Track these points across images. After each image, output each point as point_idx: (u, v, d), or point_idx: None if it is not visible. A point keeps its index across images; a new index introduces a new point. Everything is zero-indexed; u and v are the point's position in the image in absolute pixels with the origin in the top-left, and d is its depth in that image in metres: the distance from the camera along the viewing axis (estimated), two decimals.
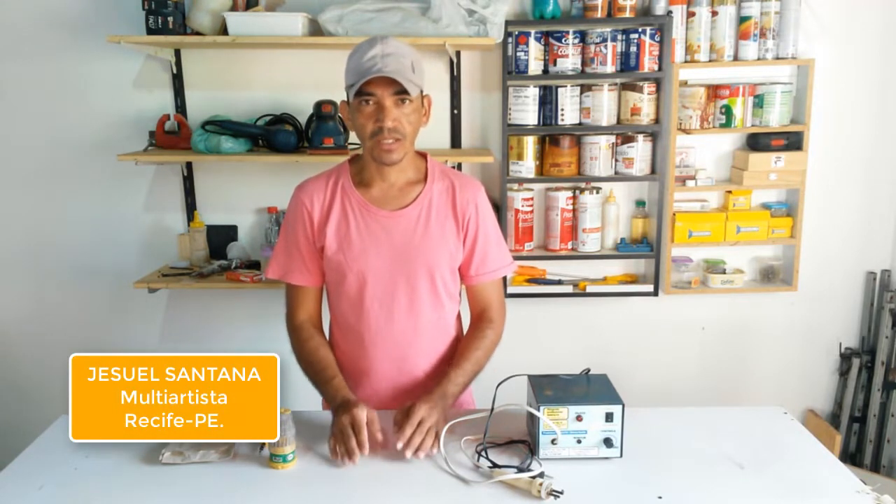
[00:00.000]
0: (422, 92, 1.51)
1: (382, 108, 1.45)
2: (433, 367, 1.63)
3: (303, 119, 2.56)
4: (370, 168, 1.56)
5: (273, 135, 2.49)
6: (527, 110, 2.57)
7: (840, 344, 2.89)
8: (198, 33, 2.45)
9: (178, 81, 2.62)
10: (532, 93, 2.56)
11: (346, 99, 1.54)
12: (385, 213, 1.55)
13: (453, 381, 1.51)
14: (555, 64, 2.55)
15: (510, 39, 2.51)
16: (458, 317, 1.71)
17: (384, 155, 1.48)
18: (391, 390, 1.61)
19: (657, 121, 2.60)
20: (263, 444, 1.39)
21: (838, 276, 2.83)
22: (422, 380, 1.62)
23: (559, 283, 2.74)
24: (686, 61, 2.57)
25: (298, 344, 1.59)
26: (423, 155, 1.62)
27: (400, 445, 1.34)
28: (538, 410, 1.34)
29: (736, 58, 2.57)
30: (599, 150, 2.60)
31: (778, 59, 2.57)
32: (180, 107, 2.64)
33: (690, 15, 2.54)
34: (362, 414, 1.36)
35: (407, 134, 1.48)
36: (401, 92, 1.44)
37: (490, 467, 1.31)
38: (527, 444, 1.40)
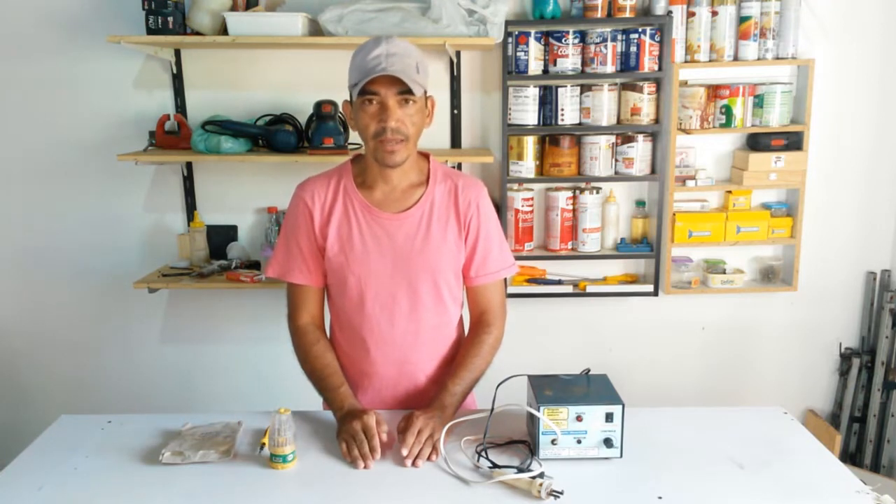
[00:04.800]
0: (426, 93, 1.51)
1: (386, 107, 1.44)
2: (434, 370, 1.62)
3: (303, 119, 2.56)
4: (373, 169, 1.55)
5: (273, 135, 2.49)
6: (527, 110, 2.57)
7: (840, 344, 2.89)
8: (198, 33, 2.45)
9: (178, 81, 2.62)
10: (532, 93, 2.56)
11: (348, 98, 1.54)
12: (387, 215, 1.55)
13: (450, 392, 1.51)
14: (555, 64, 2.55)
15: (510, 39, 2.51)
16: (461, 320, 1.70)
17: (387, 157, 1.47)
18: (392, 392, 1.61)
19: (657, 121, 2.60)
20: (263, 444, 1.39)
21: (838, 276, 2.83)
22: (423, 382, 1.62)
23: (559, 283, 2.74)
24: (686, 61, 2.57)
25: (303, 347, 1.59)
26: (425, 156, 1.61)
27: (405, 451, 1.35)
28: (538, 410, 1.34)
29: (736, 58, 2.57)
30: (599, 150, 2.60)
31: (778, 59, 2.57)
32: (180, 107, 2.64)
33: (690, 15, 2.54)
34: (372, 420, 1.39)
35: (410, 135, 1.47)
36: (405, 92, 1.43)
37: (490, 467, 1.31)
38: (527, 444, 1.40)
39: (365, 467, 1.34)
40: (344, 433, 1.40)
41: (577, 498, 1.24)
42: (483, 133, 2.70)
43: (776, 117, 2.58)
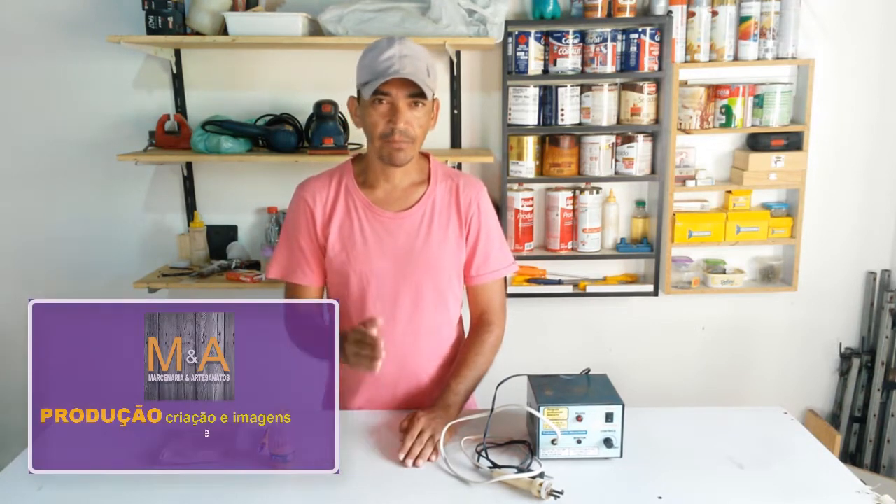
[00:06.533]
0: (433, 95, 1.51)
1: (396, 109, 1.44)
2: (434, 369, 1.62)
3: (303, 119, 2.56)
4: (374, 169, 1.55)
5: (273, 135, 2.49)
6: (527, 110, 2.57)
7: (840, 344, 2.89)
8: (198, 33, 2.45)
9: (178, 81, 2.61)
10: (532, 93, 2.56)
11: (354, 95, 1.53)
12: (389, 214, 1.55)
13: (454, 391, 1.51)
14: (555, 64, 2.55)
15: (510, 39, 2.51)
16: (461, 319, 1.70)
17: (393, 154, 1.47)
18: (391, 391, 1.61)
19: (657, 121, 2.60)
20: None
21: (838, 276, 2.83)
22: (422, 381, 1.61)
23: (559, 283, 2.74)
24: (686, 61, 2.57)
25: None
26: (426, 156, 1.61)
27: (402, 456, 1.35)
28: (538, 410, 1.34)
29: (736, 58, 2.57)
30: (599, 150, 2.60)
31: (778, 59, 2.57)
32: (180, 107, 2.64)
33: (690, 15, 2.54)
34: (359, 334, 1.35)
35: (416, 137, 1.48)
36: (416, 95, 1.44)
37: (490, 467, 1.31)
38: (527, 444, 1.40)
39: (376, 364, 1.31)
40: (346, 352, 1.37)
41: (577, 498, 1.24)
42: (483, 133, 2.70)
43: (776, 117, 2.58)
